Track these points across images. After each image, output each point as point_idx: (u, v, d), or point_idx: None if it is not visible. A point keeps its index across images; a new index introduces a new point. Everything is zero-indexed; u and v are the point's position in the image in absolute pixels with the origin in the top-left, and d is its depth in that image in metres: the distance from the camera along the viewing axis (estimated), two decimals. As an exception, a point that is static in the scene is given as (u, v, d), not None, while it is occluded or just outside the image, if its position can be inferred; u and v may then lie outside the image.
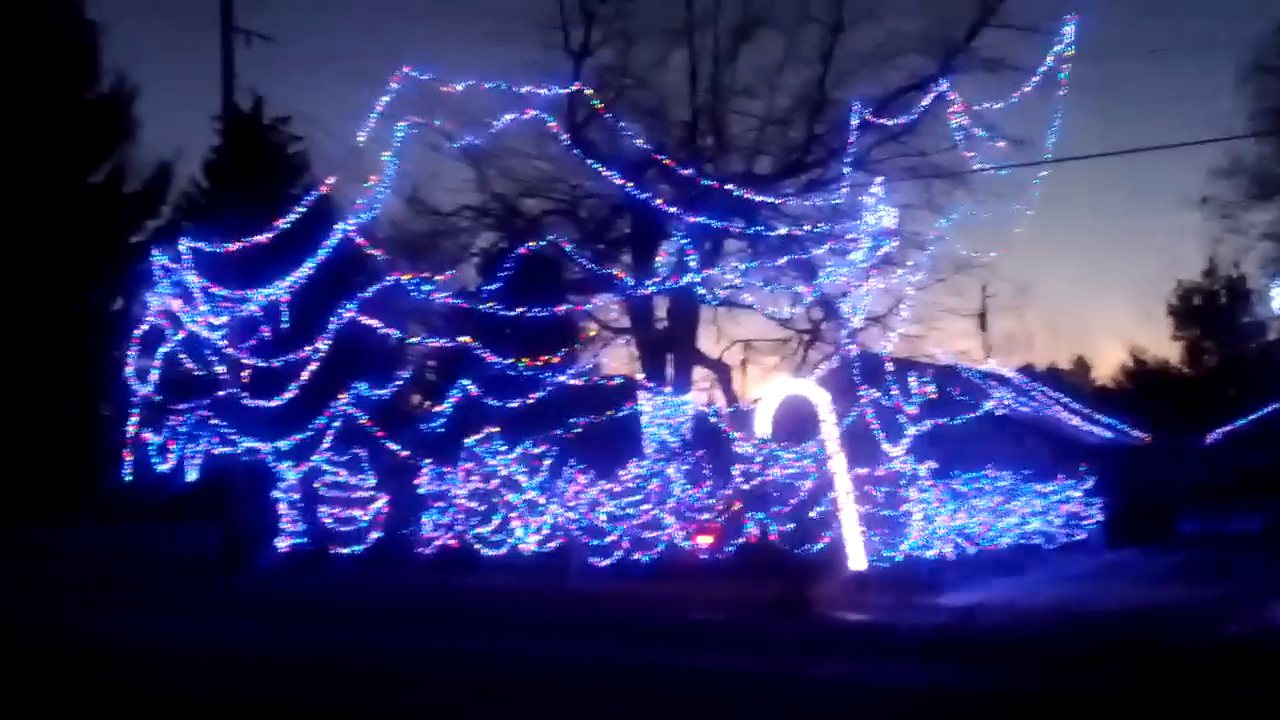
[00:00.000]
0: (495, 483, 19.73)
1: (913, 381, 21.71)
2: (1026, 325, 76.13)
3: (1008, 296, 30.86)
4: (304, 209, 20.35)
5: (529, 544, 19.43)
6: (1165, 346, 37.67)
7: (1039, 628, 13.52)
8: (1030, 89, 21.65)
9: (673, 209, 25.01)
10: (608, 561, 18.67)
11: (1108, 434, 30.38)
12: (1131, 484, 28.24)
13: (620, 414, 21.13)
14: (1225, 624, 13.35)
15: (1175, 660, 11.19)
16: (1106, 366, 45.74)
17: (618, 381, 23.86)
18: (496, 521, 19.62)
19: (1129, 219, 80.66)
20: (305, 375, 19.40)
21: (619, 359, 27.21)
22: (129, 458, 20.83)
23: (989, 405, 22.67)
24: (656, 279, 23.50)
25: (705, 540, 18.57)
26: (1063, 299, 76.08)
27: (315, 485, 20.58)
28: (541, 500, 19.32)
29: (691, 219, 24.89)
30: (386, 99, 18.74)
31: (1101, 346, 65.48)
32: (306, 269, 19.24)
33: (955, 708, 9.28)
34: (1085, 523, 24.92)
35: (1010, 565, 20.80)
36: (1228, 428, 29.18)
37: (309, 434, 19.84)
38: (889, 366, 21.99)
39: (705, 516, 18.84)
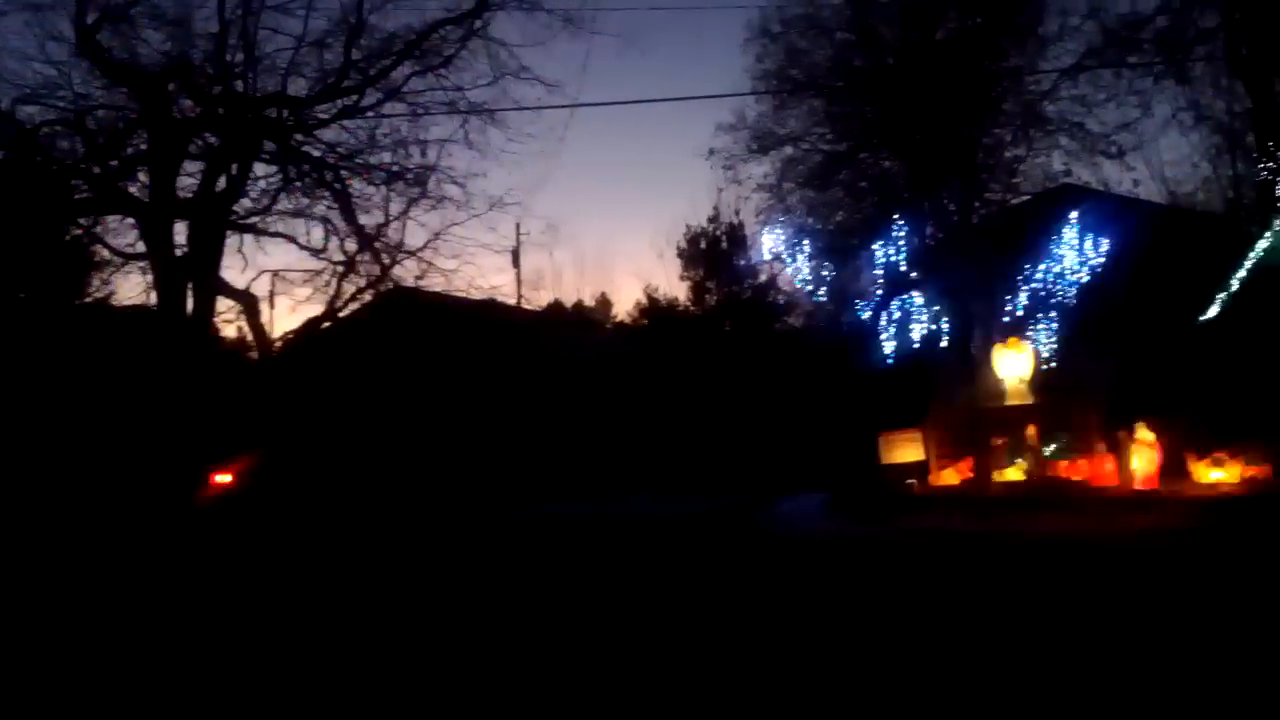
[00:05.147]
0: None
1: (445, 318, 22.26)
2: (556, 263, 79.83)
3: (540, 234, 31.97)
4: None
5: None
6: (675, 286, 41.12)
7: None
8: (563, 33, 22.68)
9: (197, 127, 23.50)
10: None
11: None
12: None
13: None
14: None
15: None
16: (626, 303, 49.07)
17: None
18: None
19: (652, 163, 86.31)
20: None
21: (133, 287, 25.24)
22: None
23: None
24: (177, 201, 22.01)
25: (224, 479, 17.95)
26: (590, 238, 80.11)
27: None
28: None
29: (217, 138, 23.55)
30: None
31: (623, 284, 70.15)
32: None
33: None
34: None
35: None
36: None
37: None
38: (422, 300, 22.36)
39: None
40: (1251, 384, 16.44)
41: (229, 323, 25.22)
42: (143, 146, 23.23)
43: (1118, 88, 24.95)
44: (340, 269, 24.20)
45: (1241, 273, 18.51)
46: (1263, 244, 18.43)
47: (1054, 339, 19.53)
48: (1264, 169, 21.11)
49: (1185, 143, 45.91)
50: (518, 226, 34.95)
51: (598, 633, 8.43)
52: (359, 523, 16.78)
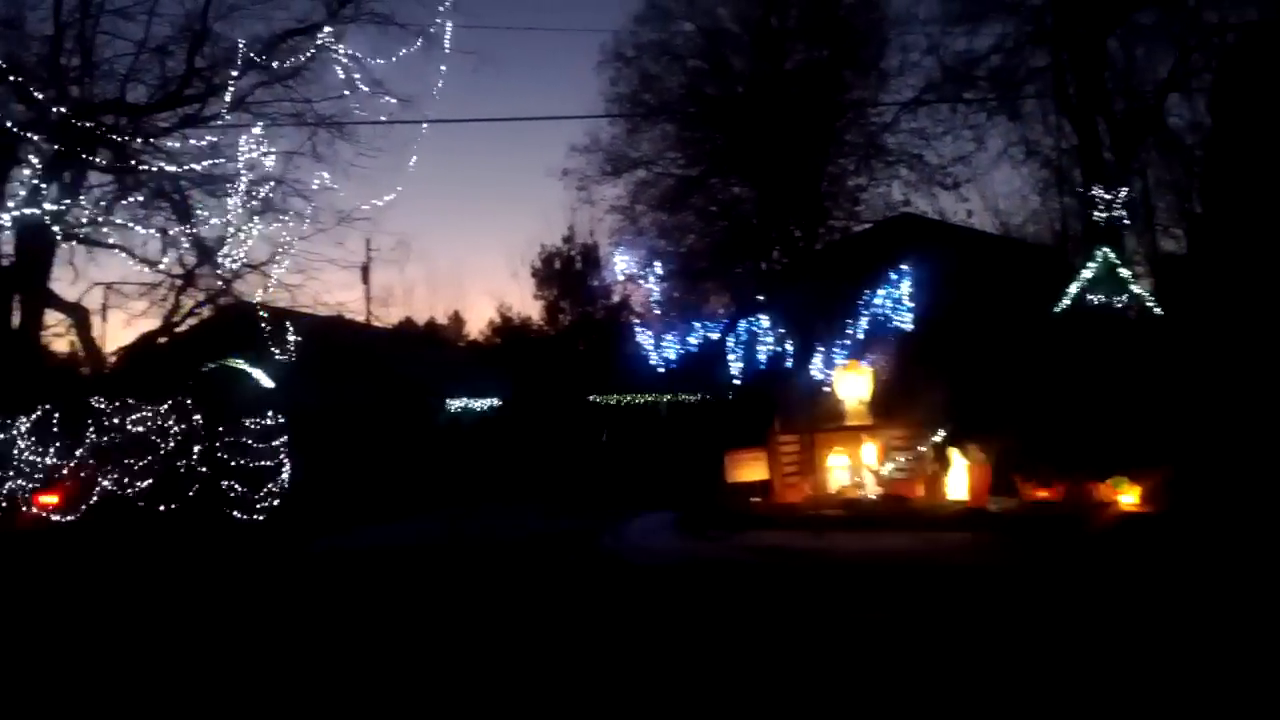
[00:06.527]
0: None
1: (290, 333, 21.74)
2: (407, 280, 78.82)
3: (390, 250, 31.60)
4: None
5: None
6: (529, 305, 41.14)
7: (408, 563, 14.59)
8: (416, 49, 22.47)
9: (27, 132, 22.46)
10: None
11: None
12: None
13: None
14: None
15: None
16: (480, 322, 48.73)
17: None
18: None
19: (506, 182, 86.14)
20: None
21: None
22: None
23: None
24: (4, 209, 20.96)
25: (50, 500, 17.10)
26: (443, 256, 79.18)
27: None
28: None
29: (49, 145, 22.57)
30: None
31: (476, 303, 69.59)
32: None
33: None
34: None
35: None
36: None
37: None
38: (264, 315, 21.77)
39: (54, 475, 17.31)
40: (1072, 407, 17.28)
41: (59, 336, 24.16)
42: (-34, 151, 22.09)
43: (954, 122, 26.25)
44: (179, 282, 23.42)
45: (1064, 303, 19.50)
46: (1086, 273, 19.48)
47: (892, 362, 20.19)
48: (1088, 203, 22.33)
49: (1017, 176, 48.38)
50: (367, 242, 34.55)
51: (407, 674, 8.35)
52: (167, 554, 16.13)
